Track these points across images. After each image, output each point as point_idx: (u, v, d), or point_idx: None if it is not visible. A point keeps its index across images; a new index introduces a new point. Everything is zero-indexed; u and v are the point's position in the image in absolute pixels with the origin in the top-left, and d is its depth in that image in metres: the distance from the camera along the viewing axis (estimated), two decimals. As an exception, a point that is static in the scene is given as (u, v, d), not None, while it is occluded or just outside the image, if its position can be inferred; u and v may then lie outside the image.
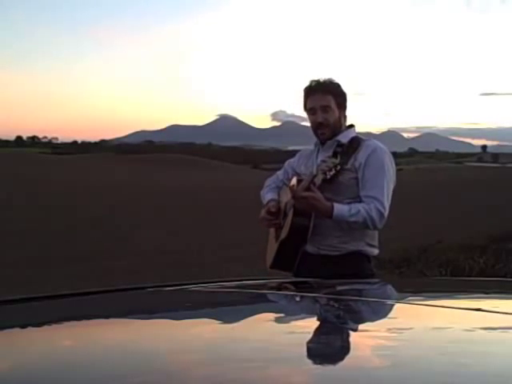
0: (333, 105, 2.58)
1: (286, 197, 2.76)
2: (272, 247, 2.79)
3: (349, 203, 2.49)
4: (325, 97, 2.57)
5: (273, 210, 2.73)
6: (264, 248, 2.91)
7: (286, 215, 2.67)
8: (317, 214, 2.51)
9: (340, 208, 2.45)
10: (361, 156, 2.53)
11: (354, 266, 2.54)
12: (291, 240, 2.61)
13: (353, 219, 2.46)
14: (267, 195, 2.86)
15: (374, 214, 2.47)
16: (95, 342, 0.93)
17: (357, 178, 2.52)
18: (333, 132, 2.60)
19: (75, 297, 1.29)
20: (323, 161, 2.41)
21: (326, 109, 2.57)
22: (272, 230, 2.85)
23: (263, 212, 2.77)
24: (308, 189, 2.44)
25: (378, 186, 2.51)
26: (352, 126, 2.69)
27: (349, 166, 2.52)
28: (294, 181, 2.64)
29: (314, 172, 2.43)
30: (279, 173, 2.95)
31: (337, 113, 2.59)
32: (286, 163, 2.93)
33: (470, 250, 8.40)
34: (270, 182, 2.94)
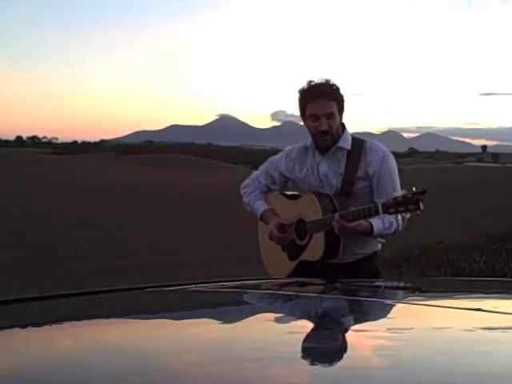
0: (336, 111, 2.49)
1: (283, 207, 2.69)
2: (282, 261, 2.69)
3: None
4: (329, 104, 2.46)
5: (286, 223, 2.63)
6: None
7: (305, 234, 2.56)
8: (359, 235, 2.46)
9: (377, 226, 2.42)
10: (372, 162, 2.50)
11: (369, 266, 2.58)
12: (322, 261, 2.52)
13: (387, 232, 2.48)
14: (257, 204, 2.74)
15: (401, 222, 2.48)
16: (95, 342, 0.93)
17: (370, 186, 2.51)
18: (334, 138, 2.53)
19: (75, 297, 1.29)
20: (398, 203, 2.19)
21: (330, 116, 2.47)
22: (269, 242, 2.72)
23: (274, 230, 2.64)
24: (353, 219, 2.36)
25: (395, 193, 2.51)
26: (343, 126, 2.59)
27: (360, 173, 2.50)
28: (312, 197, 2.52)
29: (380, 211, 2.25)
30: (259, 175, 2.78)
31: (338, 119, 2.52)
32: (268, 165, 2.77)
33: (470, 249, 8.40)
34: (251, 187, 2.79)
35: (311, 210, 2.52)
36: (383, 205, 2.23)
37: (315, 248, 2.53)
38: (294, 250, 2.64)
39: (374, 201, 2.42)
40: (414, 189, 2.18)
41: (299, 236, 2.60)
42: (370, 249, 2.61)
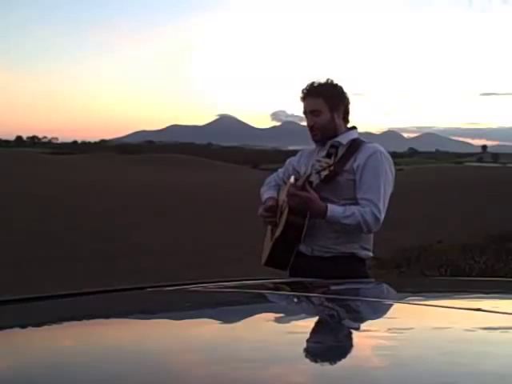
0: (323, 108, 2.58)
1: (284, 195, 2.77)
2: (267, 245, 2.79)
3: (344, 205, 2.48)
4: (315, 100, 2.60)
5: (272, 204, 2.74)
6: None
7: (282, 213, 2.67)
8: (310, 213, 2.51)
9: (334, 209, 2.44)
10: (360, 158, 2.53)
11: (348, 269, 2.52)
12: (285, 238, 2.60)
13: (346, 221, 2.45)
14: (266, 193, 2.86)
15: (369, 218, 2.45)
16: (95, 342, 0.93)
17: (354, 180, 2.52)
18: (324, 134, 2.61)
19: (75, 297, 1.29)
20: (318, 160, 2.43)
21: (315, 112, 2.60)
22: (269, 228, 2.85)
23: (261, 209, 2.78)
24: (303, 187, 2.44)
25: (374, 190, 2.50)
26: (354, 127, 2.69)
27: (347, 167, 2.51)
28: (291, 179, 2.65)
29: (309, 171, 2.44)
30: (280, 171, 2.95)
31: (328, 115, 2.59)
32: (288, 161, 2.93)
33: (470, 249, 8.41)
34: (270, 179, 2.95)
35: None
36: (312, 164, 2.45)
37: (281, 224, 2.63)
38: (275, 230, 2.73)
39: (355, 196, 2.52)
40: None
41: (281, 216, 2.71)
42: (346, 248, 2.55)
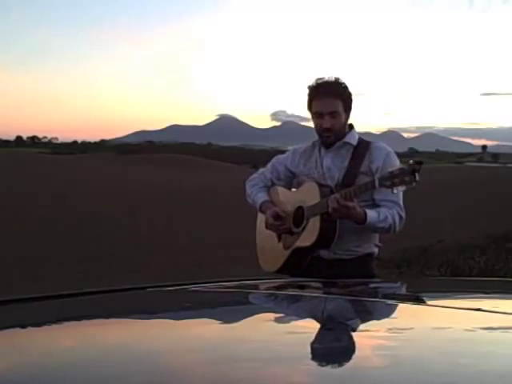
0: (341, 109, 2.51)
1: (284, 198, 2.70)
2: (276, 251, 2.70)
3: (368, 207, 2.44)
4: (334, 102, 2.49)
5: (283, 215, 2.64)
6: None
7: (302, 220, 2.55)
8: (351, 221, 2.42)
9: (371, 215, 2.40)
10: (376, 159, 2.50)
11: (362, 268, 2.54)
12: (316, 247, 2.52)
13: (381, 225, 2.44)
14: (258, 196, 2.76)
15: (397, 219, 2.47)
16: (95, 342, 0.93)
17: None
18: (337, 136, 2.55)
19: (75, 297, 1.29)
20: (391, 176, 2.18)
21: (333, 114, 2.50)
22: (266, 233, 2.75)
23: (270, 218, 2.67)
24: (350, 198, 2.33)
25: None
26: (352, 126, 2.63)
27: (363, 169, 2.50)
28: (313, 185, 2.54)
29: (377, 185, 2.22)
30: (265, 171, 2.83)
31: (344, 117, 2.53)
32: (275, 161, 2.82)
33: (470, 249, 8.41)
34: (256, 180, 2.83)
35: (311, 197, 2.52)
36: (380, 178, 2.22)
37: (310, 233, 2.52)
38: (289, 239, 2.64)
39: (373, 197, 2.49)
40: (411, 161, 2.19)
41: (296, 224, 2.60)
42: (365, 248, 2.57)
